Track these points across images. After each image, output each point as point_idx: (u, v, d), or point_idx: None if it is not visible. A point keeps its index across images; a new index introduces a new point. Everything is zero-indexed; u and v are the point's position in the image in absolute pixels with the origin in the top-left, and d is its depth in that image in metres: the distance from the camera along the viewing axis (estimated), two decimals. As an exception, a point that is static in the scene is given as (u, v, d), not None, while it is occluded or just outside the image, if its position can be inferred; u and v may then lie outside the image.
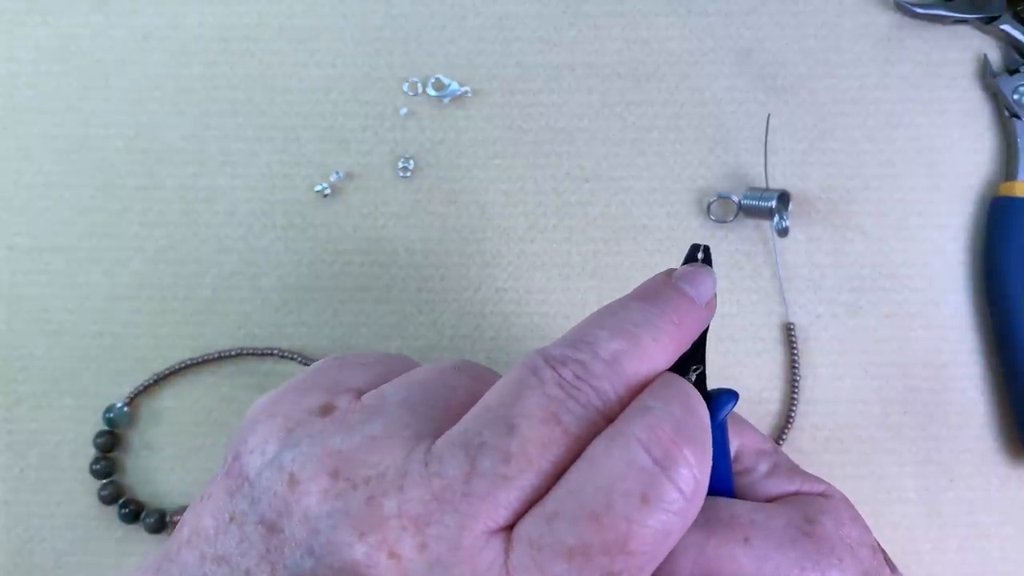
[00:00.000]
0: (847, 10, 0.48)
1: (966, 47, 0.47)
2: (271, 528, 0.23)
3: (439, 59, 0.47)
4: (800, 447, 0.45)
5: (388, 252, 0.46)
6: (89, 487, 0.45)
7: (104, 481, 0.44)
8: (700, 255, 0.30)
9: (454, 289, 0.46)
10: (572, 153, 0.47)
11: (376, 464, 0.23)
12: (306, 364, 0.45)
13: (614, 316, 0.26)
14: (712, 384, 0.29)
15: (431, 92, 0.47)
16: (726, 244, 0.46)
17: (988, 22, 0.46)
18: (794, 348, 0.45)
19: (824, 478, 0.32)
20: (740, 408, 0.37)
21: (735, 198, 0.46)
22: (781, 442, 0.44)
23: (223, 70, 0.47)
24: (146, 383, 0.45)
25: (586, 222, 0.46)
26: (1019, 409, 0.44)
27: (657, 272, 0.29)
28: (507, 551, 0.22)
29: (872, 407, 0.45)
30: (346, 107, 0.47)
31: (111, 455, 0.45)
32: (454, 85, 0.47)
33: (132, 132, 0.47)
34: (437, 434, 0.24)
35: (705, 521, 0.27)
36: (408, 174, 0.46)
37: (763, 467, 0.32)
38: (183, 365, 0.45)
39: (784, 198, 0.45)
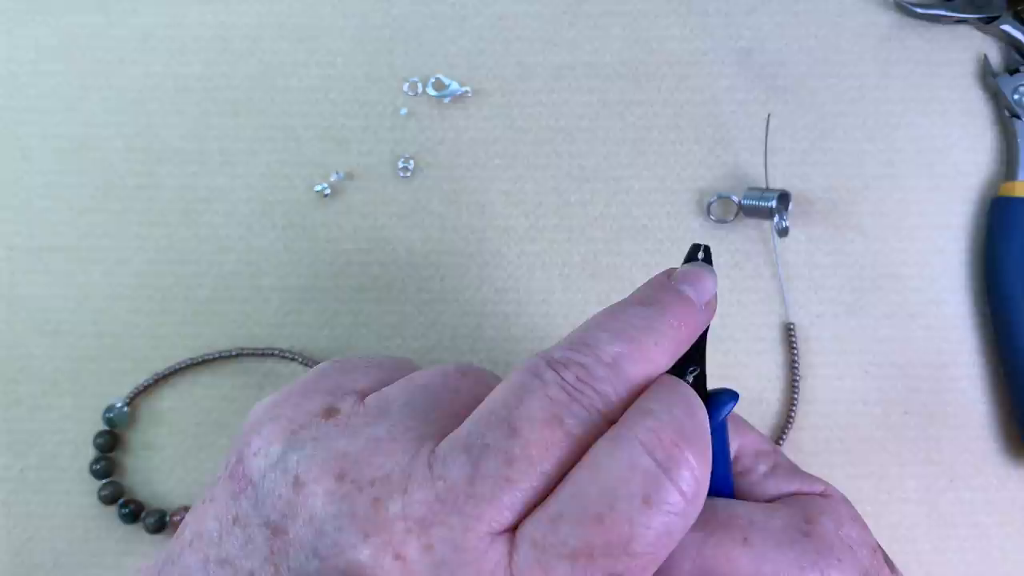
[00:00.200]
0: (847, 10, 0.48)
1: (966, 47, 0.47)
2: (276, 530, 0.23)
3: (439, 59, 0.47)
4: (800, 447, 0.45)
5: (388, 252, 0.46)
6: (89, 487, 0.45)
7: (104, 481, 0.44)
8: (700, 255, 0.30)
9: (454, 289, 0.46)
10: (572, 153, 0.47)
11: (381, 466, 0.23)
12: (306, 364, 0.45)
13: (615, 319, 0.26)
14: (712, 384, 0.30)
15: (431, 92, 0.47)
16: (726, 244, 0.46)
17: (988, 22, 0.46)
18: (794, 348, 0.45)
19: (824, 478, 0.32)
20: (740, 408, 0.37)
21: (735, 198, 0.46)
22: (781, 442, 0.44)
23: (223, 70, 0.47)
24: (146, 383, 0.45)
25: (586, 222, 0.46)
26: (1019, 409, 0.44)
27: (657, 272, 0.29)
28: (511, 552, 0.22)
29: (872, 407, 0.45)
30: (346, 107, 0.47)
31: (111, 455, 0.45)
32: (454, 85, 0.47)
33: (132, 132, 0.47)
34: (440, 436, 0.24)
35: (704, 521, 0.27)
36: (408, 174, 0.46)
37: (763, 467, 0.32)
38: (183, 365, 0.45)
39: (784, 198, 0.45)
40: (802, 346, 0.45)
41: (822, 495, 0.31)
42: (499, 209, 0.46)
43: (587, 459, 0.23)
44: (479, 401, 0.25)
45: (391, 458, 0.23)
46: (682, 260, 0.30)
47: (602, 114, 0.47)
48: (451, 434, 0.24)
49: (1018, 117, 0.45)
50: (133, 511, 0.44)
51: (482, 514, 0.22)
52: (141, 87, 0.47)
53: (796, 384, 0.45)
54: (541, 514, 0.22)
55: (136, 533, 0.44)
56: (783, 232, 0.45)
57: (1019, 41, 0.46)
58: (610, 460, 0.23)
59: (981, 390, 0.45)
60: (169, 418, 0.45)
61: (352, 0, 0.48)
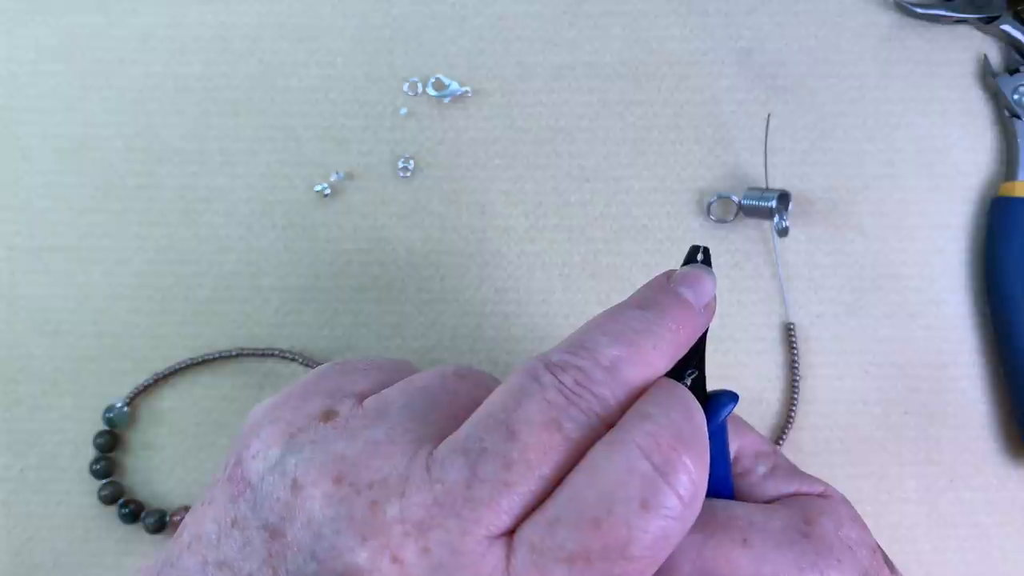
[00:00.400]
0: (847, 10, 0.47)
1: (966, 47, 0.47)
2: (274, 533, 0.23)
3: (439, 59, 0.47)
4: (800, 447, 0.45)
5: (388, 252, 0.46)
6: (89, 487, 0.45)
7: (104, 481, 0.44)
8: (700, 256, 0.30)
9: (454, 289, 0.46)
10: (572, 153, 0.47)
11: (379, 469, 0.23)
12: (306, 364, 0.45)
13: (614, 322, 0.26)
14: (712, 384, 0.30)
15: (431, 92, 0.47)
16: (726, 244, 0.46)
17: (988, 22, 0.46)
18: (794, 348, 0.45)
19: (824, 478, 0.32)
20: (740, 408, 0.37)
21: (735, 198, 0.46)
22: (781, 442, 0.44)
23: (223, 70, 0.47)
24: (146, 383, 0.45)
25: (586, 222, 0.46)
26: (1019, 409, 0.44)
27: (657, 272, 0.29)
28: (509, 556, 0.22)
29: (872, 407, 0.45)
30: (346, 107, 0.47)
31: (111, 455, 0.45)
32: (454, 85, 0.47)
33: (132, 132, 0.47)
34: (439, 439, 0.24)
35: (704, 523, 0.27)
36: (408, 174, 0.46)
37: (762, 468, 0.32)
38: (183, 365, 0.45)
39: (784, 198, 0.45)
40: (802, 346, 0.45)
41: (822, 496, 0.31)
42: (499, 209, 0.46)
43: (585, 463, 0.23)
44: (477, 404, 0.25)
45: (389, 461, 0.23)
46: (681, 261, 0.30)
47: (602, 114, 0.47)
48: (449, 437, 0.24)
49: (1018, 117, 0.45)
50: (133, 511, 0.44)
51: (480, 518, 0.22)
52: (141, 87, 0.47)
53: (796, 384, 0.45)
54: (539, 518, 0.22)
55: (136, 533, 0.44)
56: (783, 232, 0.45)
57: (1019, 41, 0.46)
58: (608, 464, 0.23)
59: (981, 390, 0.45)
60: (169, 418, 0.45)
61: (352, 0, 0.48)
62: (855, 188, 0.46)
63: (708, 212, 0.46)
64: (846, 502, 0.31)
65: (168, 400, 0.45)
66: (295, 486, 0.23)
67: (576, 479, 0.23)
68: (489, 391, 0.25)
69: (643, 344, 0.25)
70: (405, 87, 0.47)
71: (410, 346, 0.46)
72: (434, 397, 0.26)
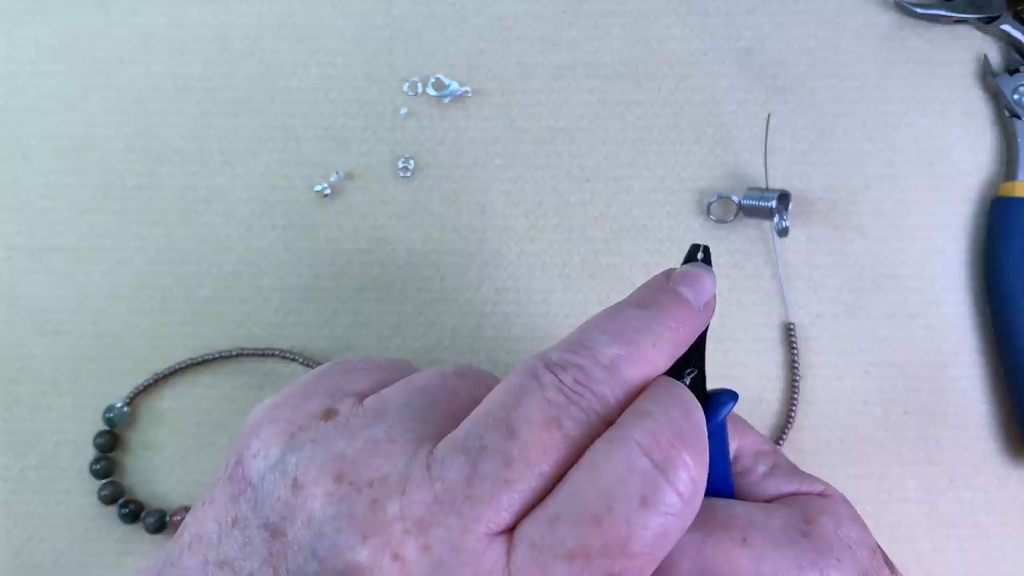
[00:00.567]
0: (847, 10, 0.48)
1: (966, 47, 0.47)
2: (275, 532, 0.23)
3: (439, 59, 0.47)
4: (800, 447, 0.45)
5: (388, 252, 0.46)
6: (89, 487, 0.45)
7: (104, 481, 0.44)
8: (700, 255, 0.30)
9: (454, 289, 0.46)
10: (572, 153, 0.47)
11: (379, 468, 0.23)
12: (306, 364, 0.45)
13: (613, 321, 0.26)
14: (712, 384, 0.30)
15: (431, 92, 0.47)
16: (726, 244, 0.46)
17: (988, 22, 0.46)
18: (794, 348, 0.45)
19: (824, 478, 0.32)
20: (740, 408, 0.37)
21: (735, 198, 0.46)
22: (781, 442, 0.44)
23: (223, 70, 0.47)
24: (146, 383, 0.45)
25: (586, 222, 0.46)
26: (1019, 409, 0.44)
27: (657, 272, 0.29)
28: (509, 553, 0.22)
29: (872, 407, 0.45)
30: (346, 107, 0.47)
31: (111, 455, 0.45)
32: (454, 85, 0.47)
33: (132, 132, 0.47)
34: (439, 438, 0.24)
35: (703, 522, 0.27)
36: (408, 174, 0.46)
37: (762, 468, 0.32)
38: (183, 365, 0.45)
39: (784, 198, 0.45)
40: (802, 346, 0.45)
41: (821, 495, 0.31)
42: (499, 209, 0.46)
43: (585, 460, 0.23)
44: (477, 403, 0.25)
45: (389, 459, 0.23)
46: (681, 260, 0.30)
47: (602, 114, 0.47)
48: (449, 435, 0.24)
49: (1018, 117, 0.45)
50: (133, 511, 0.44)
51: (480, 515, 0.22)
52: (141, 87, 0.47)
53: (796, 384, 0.45)
54: (539, 515, 0.22)
55: (136, 533, 0.44)
56: (783, 232, 0.45)
57: (1019, 41, 0.46)
58: (607, 461, 0.23)
59: (981, 390, 0.45)
60: (169, 418, 0.45)
61: (352, 0, 0.48)
62: (855, 188, 0.46)
63: (708, 212, 0.46)
64: (846, 502, 0.31)
65: (168, 400, 0.45)
66: (296, 485, 0.23)
67: (576, 476, 0.23)
68: (489, 390, 0.25)
69: (642, 343, 0.25)
70: (405, 87, 0.47)
71: (410, 346, 0.46)
72: (434, 396, 0.26)
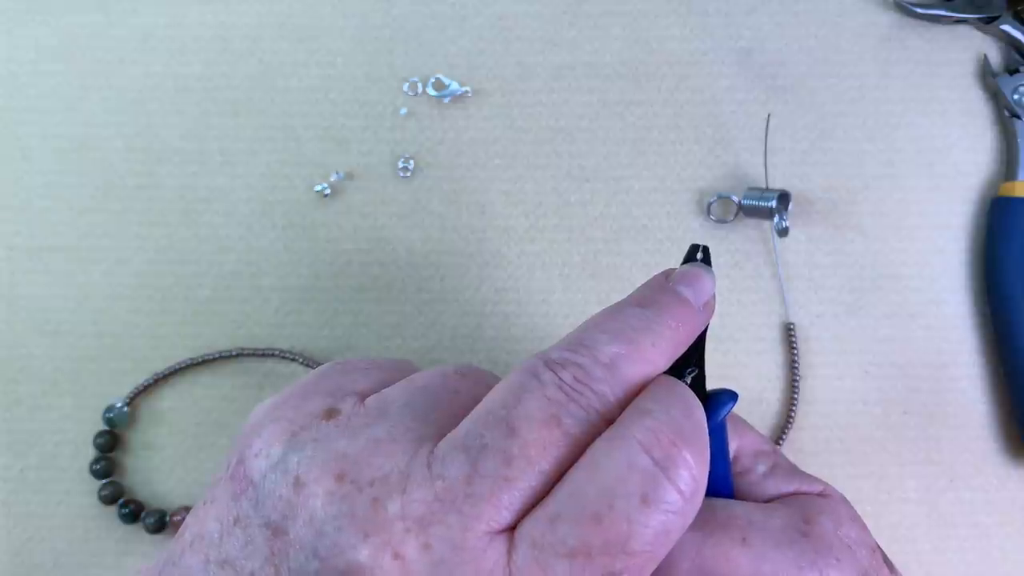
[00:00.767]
0: (847, 10, 0.48)
1: (966, 47, 0.47)
2: (276, 531, 0.23)
3: (439, 59, 0.47)
4: (800, 447, 0.45)
5: (388, 252, 0.46)
6: (89, 487, 0.45)
7: (104, 481, 0.44)
8: (699, 255, 0.30)
9: (454, 289, 0.46)
10: (572, 153, 0.47)
11: (380, 467, 0.23)
12: (306, 364, 0.45)
13: (613, 320, 0.26)
14: (712, 384, 0.30)
15: (431, 92, 0.47)
16: (726, 244, 0.46)
17: (988, 22, 0.46)
18: (794, 348, 0.45)
19: (824, 478, 0.32)
20: (740, 408, 0.37)
21: (735, 198, 0.46)
22: (781, 442, 0.44)
23: (223, 70, 0.48)
24: (146, 383, 0.45)
25: (586, 222, 0.46)
26: (1019, 409, 0.44)
27: (657, 272, 0.29)
28: (510, 551, 0.22)
29: (872, 407, 0.45)
30: (346, 107, 0.47)
31: (111, 455, 0.45)
32: (454, 85, 0.47)
33: (132, 132, 0.47)
34: (439, 437, 0.24)
35: (703, 522, 0.27)
36: (408, 174, 0.46)
37: (762, 467, 0.32)
38: (183, 365, 0.45)
39: (784, 198, 0.45)
40: (802, 346, 0.45)
41: (821, 495, 0.31)
42: (499, 209, 0.46)
43: (585, 459, 0.23)
44: (478, 402, 0.25)
45: (390, 459, 0.23)
46: (681, 260, 0.30)
47: (602, 114, 0.47)
48: (449, 434, 0.24)
49: (1018, 117, 0.45)
50: (133, 511, 0.44)
51: (481, 513, 0.22)
52: (141, 87, 0.47)
53: (796, 384, 0.45)
54: (540, 513, 0.22)
55: (136, 533, 0.44)
56: (783, 232, 0.45)
57: (1019, 41, 0.46)
58: (608, 460, 0.23)
59: (981, 390, 0.45)
60: (169, 418, 0.45)
61: (352, 0, 0.48)
62: (855, 188, 0.46)
63: (708, 212, 0.46)
64: (845, 501, 0.31)
65: (168, 400, 0.45)
66: (297, 484, 0.23)
67: (577, 475, 0.23)
68: (490, 389, 0.25)
69: (642, 342, 0.25)
70: (405, 87, 0.47)
71: (410, 346, 0.46)
72: (435, 396, 0.26)
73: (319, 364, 0.44)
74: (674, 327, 0.26)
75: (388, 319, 0.46)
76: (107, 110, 0.47)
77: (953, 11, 0.46)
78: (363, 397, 0.26)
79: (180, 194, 0.47)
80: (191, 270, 0.46)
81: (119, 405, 0.44)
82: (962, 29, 0.47)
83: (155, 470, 0.45)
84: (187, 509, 0.44)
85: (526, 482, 0.23)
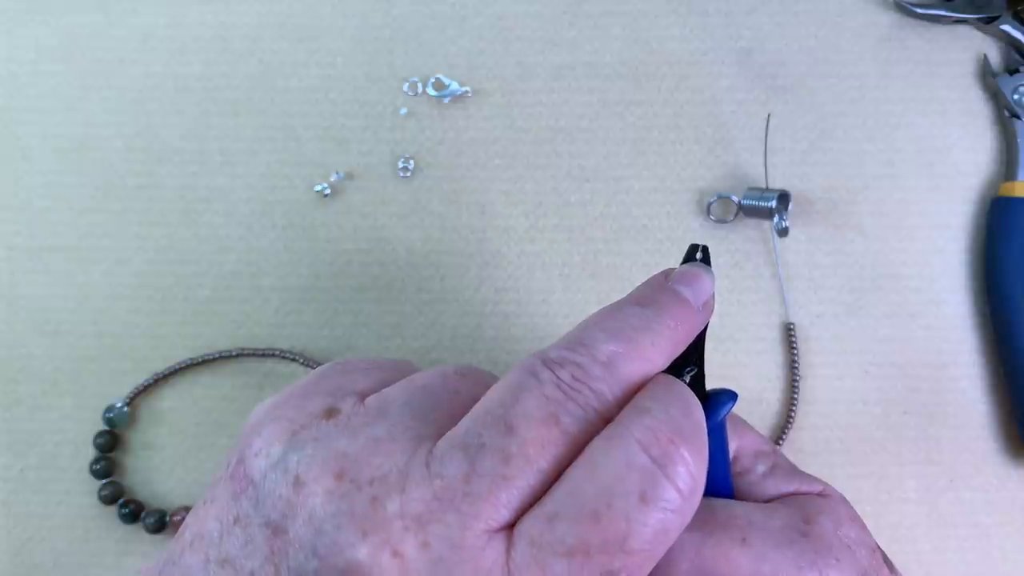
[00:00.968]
0: (847, 10, 0.47)
1: (966, 47, 0.47)
2: (276, 530, 0.23)
3: (439, 59, 0.47)
4: (800, 447, 0.45)
5: (388, 252, 0.46)
6: (89, 487, 0.45)
7: (104, 481, 0.44)
8: (699, 255, 0.30)
9: (454, 289, 0.46)
10: (572, 153, 0.47)
11: (379, 466, 0.23)
12: (306, 364, 0.45)
13: (612, 319, 0.26)
14: (712, 384, 0.30)
15: (431, 92, 0.47)
16: (726, 244, 0.46)
17: (988, 22, 0.46)
18: (794, 348, 0.45)
19: (824, 478, 0.32)
20: (740, 408, 0.37)
21: (735, 198, 0.45)
22: (781, 442, 0.44)
23: (223, 70, 0.48)
24: (146, 383, 0.45)
25: (586, 222, 0.46)
26: (1019, 409, 0.44)
27: (656, 272, 0.29)
28: (508, 550, 0.22)
29: (872, 407, 0.45)
30: (346, 107, 0.47)
31: (111, 455, 0.45)
32: (454, 85, 0.47)
33: (132, 132, 0.47)
34: (439, 436, 0.24)
35: (703, 522, 0.27)
36: (408, 174, 0.46)
37: (761, 468, 0.32)
38: (183, 365, 0.45)
39: (784, 198, 0.45)
40: (802, 346, 0.45)
41: (821, 495, 0.31)
42: (499, 209, 0.46)
43: (583, 457, 0.23)
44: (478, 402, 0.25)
45: (390, 458, 0.23)
46: (680, 260, 0.30)
47: (602, 114, 0.47)
48: (448, 433, 0.24)
49: (1018, 117, 0.45)
50: (133, 511, 0.44)
51: (479, 512, 0.22)
52: (141, 87, 0.47)
53: (796, 384, 0.45)
54: (538, 512, 0.22)
55: (136, 533, 0.44)
56: (783, 232, 0.45)
57: (1019, 41, 0.46)
58: (606, 458, 0.23)
59: (981, 390, 0.45)
60: (169, 418, 0.45)
61: (352, 0, 0.48)
62: (855, 188, 0.46)
63: (708, 212, 0.46)
64: (845, 502, 0.31)
65: (168, 400, 0.45)
66: (297, 483, 0.23)
67: (575, 474, 0.23)
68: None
69: (641, 341, 0.25)
70: (405, 87, 0.47)
71: (410, 346, 0.46)
72: (435, 395, 0.26)
73: (319, 364, 0.44)
74: (673, 326, 0.26)
75: (388, 319, 0.46)
76: (107, 110, 0.47)
77: (953, 11, 0.46)
78: (363, 397, 0.26)
79: (180, 194, 0.47)
80: (191, 270, 0.46)
81: (119, 405, 0.44)
82: (962, 29, 0.47)
83: (155, 470, 0.45)
84: (187, 509, 0.44)
85: (524, 481, 0.23)
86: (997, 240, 0.44)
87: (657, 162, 0.47)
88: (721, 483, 0.30)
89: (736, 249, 0.46)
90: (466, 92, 0.47)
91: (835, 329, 0.45)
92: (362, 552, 0.22)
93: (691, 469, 0.23)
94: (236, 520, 0.24)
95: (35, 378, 0.45)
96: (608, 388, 0.24)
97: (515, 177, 0.47)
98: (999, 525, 0.44)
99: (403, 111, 0.47)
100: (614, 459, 0.23)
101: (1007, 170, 0.46)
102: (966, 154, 0.46)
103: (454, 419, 0.25)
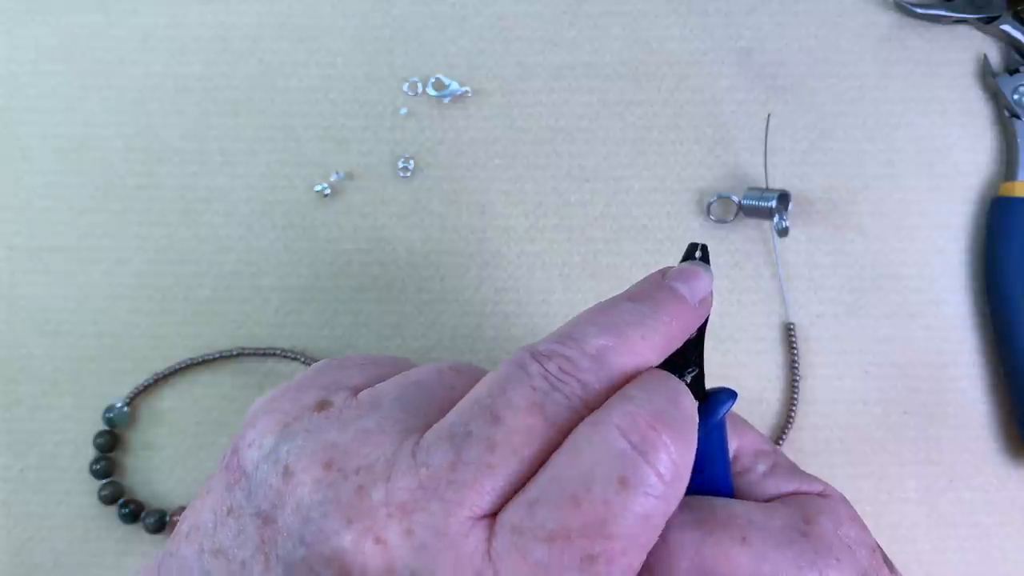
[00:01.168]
0: (847, 10, 0.48)
1: (966, 47, 0.47)
2: (266, 520, 0.24)
3: (439, 59, 0.47)
4: (800, 447, 0.45)
5: (388, 252, 0.46)
6: (89, 487, 0.45)
7: (104, 481, 0.44)
8: (698, 254, 0.30)
9: (454, 289, 0.46)
10: (572, 153, 0.47)
11: (367, 456, 0.24)
12: (307, 364, 0.45)
13: (604, 314, 0.26)
14: (712, 384, 0.30)
15: (431, 92, 0.47)
16: (726, 244, 0.46)
17: (988, 22, 0.46)
18: (794, 348, 0.45)
19: (824, 478, 0.32)
20: (740, 408, 0.37)
21: (735, 198, 0.45)
22: (781, 442, 0.44)
23: (223, 70, 0.48)
24: (146, 383, 0.45)
25: (586, 222, 0.46)
26: (1019, 409, 0.44)
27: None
28: (490, 537, 0.22)
29: (872, 407, 0.45)
30: (346, 107, 0.47)
31: (111, 455, 0.45)
32: (454, 85, 0.47)
33: (132, 132, 0.47)
34: (428, 429, 0.24)
35: (703, 521, 0.27)
36: (408, 174, 0.46)
37: (762, 467, 0.32)
38: (183, 365, 0.45)
39: (784, 198, 0.45)
40: (802, 346, 0.45)
41: (821, 495, 0.31)
42: (499, 209, 0.46)
43: (566, 444, 0.23)
44: None
45: (378, 448, 0.24)
46: (680, 259, 0.30)
47: (602, 114, 0.47)
48: (436, 424, 0.24)
49: (1018, 117, 0.45)
50: (133, 511, 0.44)
51: (463, 499, 0.22)
52: (141, 87, 0.47)
53: (796, 384, 0.45)
54: (520, 499, 0.23)
55: (136, 533, 0.44)
56: (783, 232, 0.45)
57: (1019, 41, 0.46)
58: (587, 444, 0.23)
59: (981, 390, 0.45)
60: (169, 418, 0.45)
61: (352, 0, 0.48)
62: (855, 188, 0.46)
63: (708, 212, 0.46)
64: (845, 501, 0.31)
65: (168, 400, 0.45)
66: (286, 473, 0.24)
67: (557, 460, 0.23)
68: None
69: (631, 335, 0.26)
70: (405, 87, 0.47)
71: (410, 346, 0.46)
72: (428, 390, 0.26)
73: (319, 364, 0.44)
74: (667, 322, 0.27)
75: (388, 319, 0.46)
76: (107, 110, 0.47)
77: (953, 11, 0.46)
78: (357, 391, 0.27)
79: (180, 194, 0.47)
80: (191, 270, 0.46)
81: (119, 405, 0.44)
82: (962, 29, 0.47)
83: (155, 470, 0.45)
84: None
85: (508, 469, 0.23)
86: (997, 240, 0.44)
87: (657, 162, 0.47)
88: (721, 482, 0.30)
89: (736, 249, 0.46)
90: (466, 92, 0.47)
91: (835, 329, 0.45)
92: (346, 539, 0.22)
93: (673, 456, 0.23)
94: (229, 511, 0.24)
95: (35, 378, 0.45)
96: (595, 378, 0.25)
97: (515, 177, 0.47)
98: (999, 525, 0.44)
99: (403, 111, 0.47)
100: (594, 444, 0.23)
101: (1007, 170, 0.46)
102: (966, 154, 0.46)
103: (444, 413, 0.25)
